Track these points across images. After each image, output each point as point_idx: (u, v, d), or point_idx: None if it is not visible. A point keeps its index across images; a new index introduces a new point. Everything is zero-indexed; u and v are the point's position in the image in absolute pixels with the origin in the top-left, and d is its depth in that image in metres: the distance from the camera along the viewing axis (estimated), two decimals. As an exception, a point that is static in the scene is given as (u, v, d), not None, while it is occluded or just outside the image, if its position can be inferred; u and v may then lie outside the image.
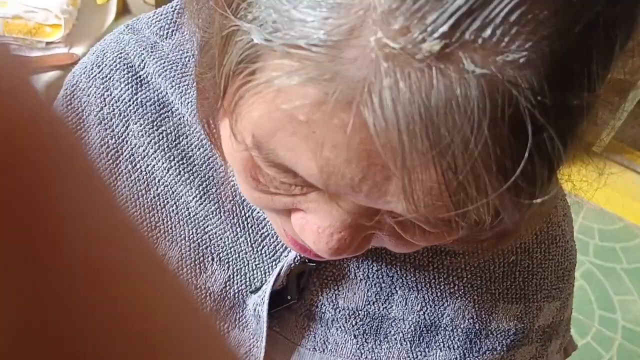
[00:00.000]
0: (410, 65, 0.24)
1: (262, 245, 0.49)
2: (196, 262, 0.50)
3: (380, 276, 0.48)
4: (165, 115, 0.48)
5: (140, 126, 0.48)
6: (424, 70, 0.24)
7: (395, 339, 0.50)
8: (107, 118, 0.49)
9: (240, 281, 0.50)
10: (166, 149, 0.48)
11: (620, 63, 0.28)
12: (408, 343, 0.50)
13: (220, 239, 0.49)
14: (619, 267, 1.82)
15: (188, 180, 0.48)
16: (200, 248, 0.50)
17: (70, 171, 0.10)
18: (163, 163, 0.48)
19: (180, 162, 0.48)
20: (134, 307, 0.11)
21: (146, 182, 0.49)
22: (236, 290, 0.50)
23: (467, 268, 0.48)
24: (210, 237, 0.49)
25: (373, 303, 0.49)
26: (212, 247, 0.50)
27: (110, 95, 0.48)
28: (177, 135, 0.48)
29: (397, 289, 0.49)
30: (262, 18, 0.27)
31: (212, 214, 0.48)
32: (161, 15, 0.49)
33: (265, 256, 0.49)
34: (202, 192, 0.48)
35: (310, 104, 0.26)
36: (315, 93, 0.26)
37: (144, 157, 0.48)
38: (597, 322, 1.70)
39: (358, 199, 0.30)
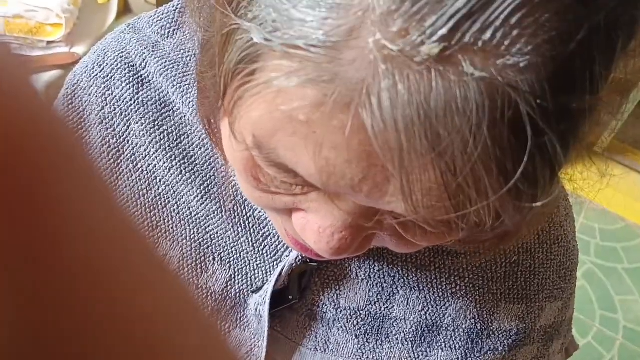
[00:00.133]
0: (409, 67, 0.24)
1: (263, 245, 0.49)
2: (197, 262, 0.50)
3: (382, 276, 0.48)
4: (166, 114, 0.48)
5: (142, 126, 0.48)
6: (422, 73, 0.24)
7: (397, 339, 0.50)
8: (108, 117, 0.49)
9: (242, 281, 0.50)
10: (167, 148, 0.48)
11: (622, 63, 0.28)
12: (409, 343, 0.50)
13: (222, 238, 0.49)
14: (620, 267, 1.82)
15: (189, 180, 0.48)
16: (202, 248, 0.50)
17: (70, 171, 0.10)
18: (164, 163, 0.48)
19: (182, 162, 0.48)
20: (134, 307, 0.11)
21: (147, 182, 0.49)
22: (237, 290, 0.50)
23: (469, 268, 0.48)
24: (212, 236, 0.49)
25: (374, 303, 0.49)
26: (214, 246, 0.50)
27: (112, 94, 0.48)
28: (178, 134, 0.48)
29: (398, 289, 0.49)
30: (262, 17, 0.27)
31: (214, 213, 0.48)
32: (162, 15, 0.49)
33: (267, 256, 0.49)
34: (203, 191, 0.48)
35: (309, 105, 0.26)
36: (314, 94, 0.25)
37: (145, 156, 0.48)
38: (598, 322, 1.70)
39: (359, 199, 0.30)
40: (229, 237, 0.49)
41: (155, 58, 0.47)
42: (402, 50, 0.24)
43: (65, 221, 0.10)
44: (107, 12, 1.43)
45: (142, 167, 0.49)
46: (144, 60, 0.48)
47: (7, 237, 0.09)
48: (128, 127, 0.48)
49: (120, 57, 0.48)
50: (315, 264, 0.48)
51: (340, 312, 0.50)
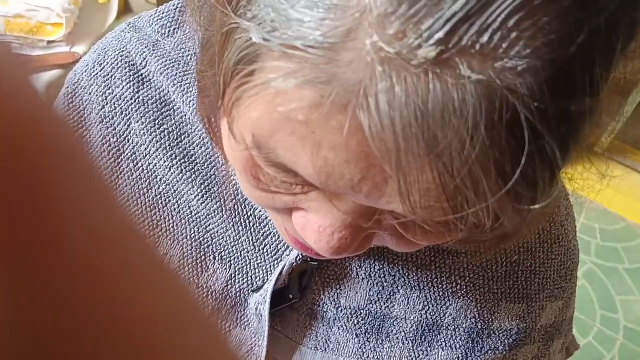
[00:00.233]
0: (405, 69, 0.24)
1: (263, 243, 0.49)
2: (198, 261, 0.50)
3: (382, 275, 0.48)
4: (166, 113, 0.48)
5: (142, 124, 0.48)
6: (419, 75, 0.24)
7: (397, 338, 0.50)
8: (108, 116, 0.49)
9: (242, 280, 0.50)
10: (168, 147, 0.48)
11: (622, 64, 0.28)
12: (410, 342, 0.50)
13: (222, 237, 0.49)
14: (620, 266, 1.81)
15: (190, 179, 0.48)
16: (202, 247, 0.50)
17: (70, 171, 0.10)
18: (164, 161, 0.48)
19: (182, 161, 0.48)
20: (134, 307, 0.11)
21: (148, 181, 0.49)
22: (238, 289, 0.50)
23: (469, 267, 0.48)
24: (212, 235, 0.49)
25: (375, 302, 0.49)
26: (214, 245, 0.50)
27: (112, 93, 0.48)
28: (178, 133, 0.48)
29: (399, 288, 0.49)
30: (260, 16, 0.27)
31: (214, 212, 0.48)
32: (163, 13, 0.49)
33: (267, 255, 0.49)
34: (203, 190, 0.48)
35: (307, 106, 0.26)
36: (312, 95, 0.25)
37: (146, 155, 0.48)
38: (599, 322, 1.70)
39: (358, 199, 0.30)
40: (229, 236, 0.49)
41: (155, 57, 0.47)
42: (399, 53, 0.24)
43: (65, 221, 0.10)
44: (107, 12, 1.43)
45: (142, 166, 0.49)
46: (144, 59, 0.48)
47: (7, 237, 0.09)
48: (128, 125, 0.48)
49: (121, 56, 0.48)
50: (316, 263, 0.48)
51: (341, 311, 0.50)
